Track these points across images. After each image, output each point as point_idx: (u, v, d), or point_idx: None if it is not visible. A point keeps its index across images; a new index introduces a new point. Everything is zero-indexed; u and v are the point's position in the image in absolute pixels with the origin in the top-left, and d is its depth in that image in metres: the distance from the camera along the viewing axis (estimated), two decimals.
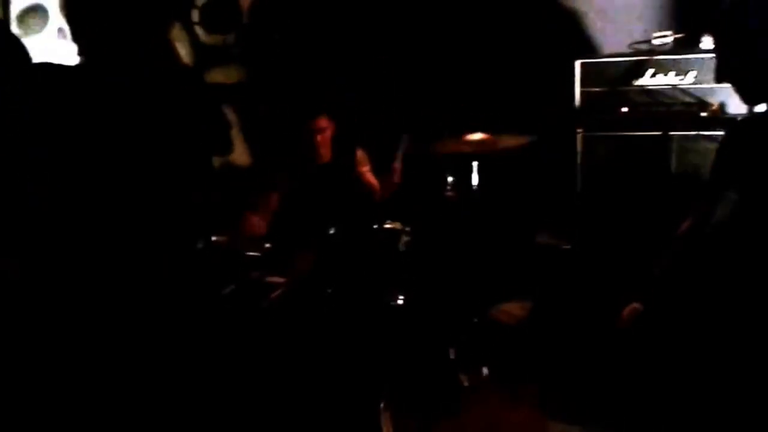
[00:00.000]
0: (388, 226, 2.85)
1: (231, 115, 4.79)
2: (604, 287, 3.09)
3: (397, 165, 3.53)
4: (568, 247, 3.50)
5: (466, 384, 3.05)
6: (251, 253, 3.03)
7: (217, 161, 4.82)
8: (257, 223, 3.32)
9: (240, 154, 4.83)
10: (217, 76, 4.76)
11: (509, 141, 3.13)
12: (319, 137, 3.42)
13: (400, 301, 2.73)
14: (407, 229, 2.87)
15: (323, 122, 3.44)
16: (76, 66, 1.83)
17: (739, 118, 1.96)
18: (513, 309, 3.71)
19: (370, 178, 3.52)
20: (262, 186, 3.60)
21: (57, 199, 1.65)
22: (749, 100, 1.91)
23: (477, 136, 3.12)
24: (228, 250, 3.02)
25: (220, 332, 2.63)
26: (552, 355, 3.18)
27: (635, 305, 1.98)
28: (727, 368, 1.69)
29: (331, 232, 2.83)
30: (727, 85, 3.21)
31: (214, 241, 3.07)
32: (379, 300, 2.71)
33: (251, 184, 3.70)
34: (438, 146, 3.15)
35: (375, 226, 2.82)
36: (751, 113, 2.03)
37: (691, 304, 1.80)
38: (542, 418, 2.82)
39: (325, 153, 3.47)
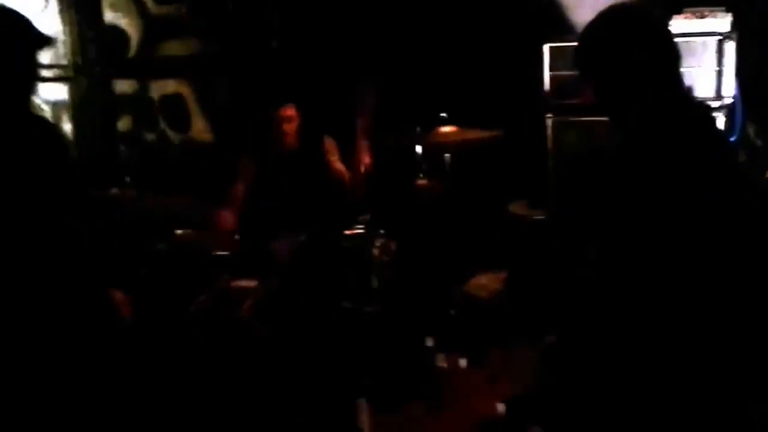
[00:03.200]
0: (360, 230, 2.79)
1: (186, 89, 4.61)
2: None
3: (363, 143, 3.42)
4: (542, 217, 3.48)
5: (444, 365, 3.05)
6: (218, 253, 2.95)
7: (176, 138, 4.66)
8: (226, 218, 3.24)
9: (199, 131, 4.67)
10: (170, 48, 4.55)
11: (480, 133, 3.07)
12: (285, 126, 3.35)
13: (374, 308, 2.70)
14: (381, 231, 2.81)
15: (290, 111, 3.37)
16: None
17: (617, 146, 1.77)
18: (487, 282, 3.68)
19: (339, 166, 3.44)
20: (227, 177, 3.49)
21: None
22: (622, 131, 1.78)
23: (447, 128, 3.05)
24: (194, 251, 2.93)
25: (194, 349, 2.59)
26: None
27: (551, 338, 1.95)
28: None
29: (302, 239, 2.76)
30: (695, 69, 3.20)
31: (180, 235, 2.97)
32: (353, 310, 2.67)
33: (217, 177, 3.58)
34: (409, 139, 3.08)
35: (347, 232, 2.76)
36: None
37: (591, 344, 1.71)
38: None
39: (292, 142, 3.40)
